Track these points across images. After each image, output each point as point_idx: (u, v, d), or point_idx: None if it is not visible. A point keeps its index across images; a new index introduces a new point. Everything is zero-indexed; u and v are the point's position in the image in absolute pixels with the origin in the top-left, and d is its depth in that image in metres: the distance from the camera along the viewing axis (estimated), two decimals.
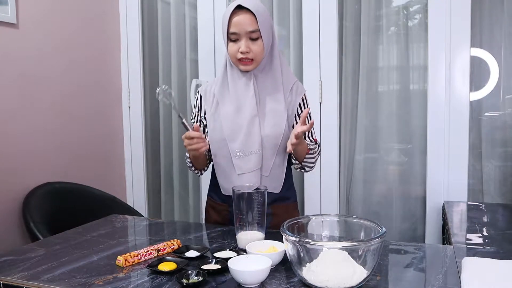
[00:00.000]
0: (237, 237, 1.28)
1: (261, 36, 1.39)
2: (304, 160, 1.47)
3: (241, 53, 1.39)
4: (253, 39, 1.39)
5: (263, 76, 1.46)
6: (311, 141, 1.51)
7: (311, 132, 1.53)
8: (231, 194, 1.31)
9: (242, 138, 1.42)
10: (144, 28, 2.77)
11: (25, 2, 2.12)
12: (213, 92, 1.50)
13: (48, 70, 2.25)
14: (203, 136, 1.37)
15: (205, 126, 1.53)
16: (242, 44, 1.38)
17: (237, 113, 1.44)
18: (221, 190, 1.52)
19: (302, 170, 1.52)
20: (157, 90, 1.35)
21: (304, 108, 1.50)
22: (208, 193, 1.62)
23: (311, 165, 1.50)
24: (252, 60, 1.40)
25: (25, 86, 2.14)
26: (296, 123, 1.48)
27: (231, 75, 1.47)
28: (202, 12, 2.55)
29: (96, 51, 2.57)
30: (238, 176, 1.44)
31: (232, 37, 1.39)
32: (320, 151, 1.55)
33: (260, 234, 1.28)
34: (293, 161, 1.51)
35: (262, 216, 1.28)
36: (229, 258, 1.08)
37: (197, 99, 1.56)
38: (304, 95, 1.52)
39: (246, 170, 1.43)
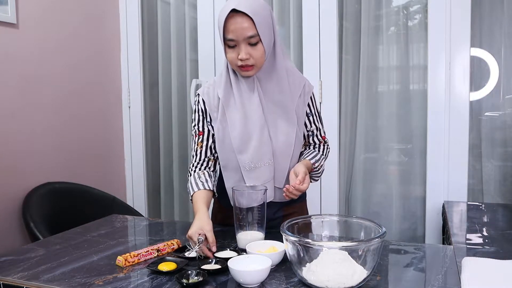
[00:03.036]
0: (237, 237, 1.28)
1: (260, 40, 1.28)
2: (310, 174, 1.44)
3: (241, 60, 1.29)
4: (252, 44, 1.28)
5: (267, 78, 1.37)
6: (319, 141, 1.49)
7: (319, 130, 1.49)
8: (243, 207, 1.26)
9: (252, 151, 1.35)
10: (144, 28, 2.77)
11: (25, 2, 2.12)
12: (217, 96, 1.40)
13: (48, 70, 2.25)
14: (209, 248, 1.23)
15: (213, 135, 1.42)
16: (242, 51, 1.28)
17: (244, 122, 1.36)
18: (231, 202, 1.40)
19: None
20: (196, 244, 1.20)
21: (313, 107, 1.46)
22: (217, 197, 1.52)
23: (317, 178, 1.48)
24: (252, 65, 1.31)
25: (25, 86, 2.14)
26: (305, 124, 1.44)
27: (234, 78, 1.39)
28: (202, 12, 2.55)
29: (96, 51, 2.57)
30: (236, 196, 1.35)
31: (229, 44, 1.30)
32: (328, 152, 1.52)
33: (260, 234, 1.28)
34: None
35: (262, 216, 1.28)
36: (229, 258, 1.08)
37: (198, 102, 1.44)
38: (312, 92, 1.46)
39: (258, 183, 1.36)
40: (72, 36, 2.39)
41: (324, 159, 1.49)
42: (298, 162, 1.45)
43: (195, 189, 1.38)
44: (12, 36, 2.07)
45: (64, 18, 2.34)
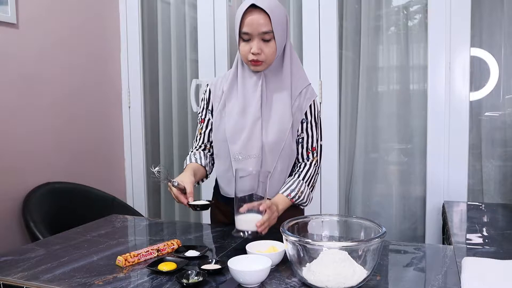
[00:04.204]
0: (236, 218, 1.26)
1: (274, 38, 1.34)
2: (295, 203, 1.42)
3: (252, 54, 1.34)
4: (266, 40, 1.34)
5: (273, 76, 1.42)
6: (307, 152, 1.45)
7: (312, 138, 1.45)
8: (230, 196, 1.29)
9: (242, 141, 1.40)
10: (144, 28, 2.77)
11: (25, 2, 2.12)
12: (222, 89, 1.47)
13: (48, 70, 2.25)
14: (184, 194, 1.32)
15: (212, 123, 1.50)
16: (254, 45, 1.34)
17: (241, 114, 1.41)
18: (220, 191, 1.50)
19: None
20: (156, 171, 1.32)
21: (311, 114, 1.44)
22: (213, 193, 1.60)
23: (304, 204, 1.45)
24: (262, 61, 1.36)
25: (25, 86, 2.14)
26: (301, 130, 1.44)
27: (242, 73, 1.44)
28: (202, 12, 2.55)
29: (96, 51, 2.57)
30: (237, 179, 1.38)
31: (244, 37, 1.35)
32: (312, 174, 1.45)
33: (259, 216, 1.26)
34: None
35: (263, 199, 1.27)
36: (202, 205, 1.23)
37: (205, 92, 1.53)
38: (314, 101, 1.45)
39: (244, 173, 1.37)
40: (72, 36, 2.39)
41: (304, 185, 1.42)
42: (293, 160, 1.45)
43: (188, 162, 1.49)
44: (12, 36, 2.07)
45: (64, 18, 2.34)
